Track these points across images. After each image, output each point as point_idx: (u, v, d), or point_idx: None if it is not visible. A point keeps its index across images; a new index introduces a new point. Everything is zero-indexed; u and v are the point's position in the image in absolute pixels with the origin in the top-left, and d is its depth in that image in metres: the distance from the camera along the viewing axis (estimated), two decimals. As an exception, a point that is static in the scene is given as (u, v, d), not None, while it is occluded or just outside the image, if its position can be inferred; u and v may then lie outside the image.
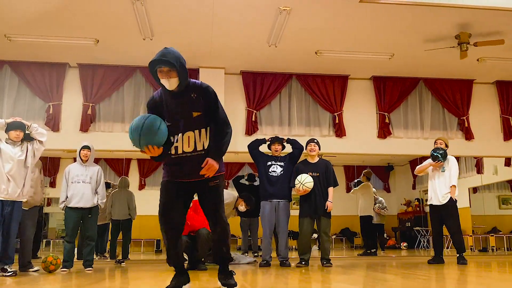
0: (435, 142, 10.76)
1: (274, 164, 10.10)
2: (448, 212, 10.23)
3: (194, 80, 5.25)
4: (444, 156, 10.48)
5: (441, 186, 10.36)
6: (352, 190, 15.81)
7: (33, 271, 9.00)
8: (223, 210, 5.35)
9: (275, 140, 10.31)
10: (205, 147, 5.13)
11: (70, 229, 9.38)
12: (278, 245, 10.37)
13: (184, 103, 5.10)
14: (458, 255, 10.17)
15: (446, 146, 10.64)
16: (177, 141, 5.14)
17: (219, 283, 5.51)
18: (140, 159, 21.68)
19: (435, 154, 10.50)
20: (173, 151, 5.16)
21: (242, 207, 10.62)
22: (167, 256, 5.56)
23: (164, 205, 5.20)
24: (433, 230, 10.88)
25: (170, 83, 4.99)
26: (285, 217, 9.93)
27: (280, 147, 10.28)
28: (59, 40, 11.23)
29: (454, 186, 10.23)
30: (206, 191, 5.25)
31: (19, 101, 12.45)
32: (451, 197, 10.20)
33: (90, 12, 10.06)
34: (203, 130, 5.13)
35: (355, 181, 16.16)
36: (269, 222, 9.90)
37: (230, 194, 10.83)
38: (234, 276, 5.58)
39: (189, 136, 5.11)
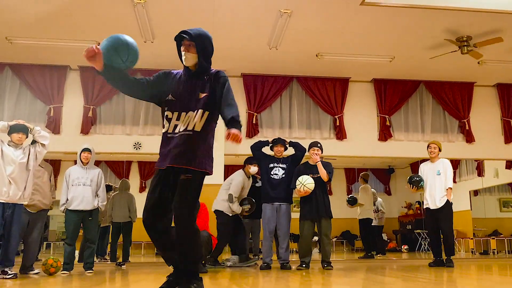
0: (428, 146, 10.78)
1: (276, 167, 10.11)
2: (443, 214, 10.22)
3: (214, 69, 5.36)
4: (417, 183, 10.62)
5: (437, 190, 10.36)
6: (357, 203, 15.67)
7: (33, 274, 9.01)
8: (192, 213, 4.99)
9: (278, 142, 10.31)
10: (196, 129, 5.00)
11: (70, 231, 9.40)
12: (278, 247, 10.38)
13: (197, 85, 5.15)
14: (446, 257, 10.19)
15: (440, 149, 10.66)
16: (177, 119, 5.06)
17: None
18: (140, 162, 21.69)
19: (410, 184, 10.78)
20: (170, 129, 5.07)
21: (255, 168, 10.76)
22: (162, 257, 5.34)
23: (148, 211, 5.04)
24: (430, 233, 10.89)
25: (187, 57, 5.13)
26: (286, 220, 9.94)
27: (282, 148, 10.28)
28: (60, 42, 11.25)
29: (451, 188, 10.24)
30: (177, 184, 4.97)
31: (20, 103, 12.47)
32: (447, 200, 10.21)
33: (91, 15, 10.09)
34: (200, 112, 5.03)
35: (349, 197, 15.96)
36: (270, 224, 9.92)
37: (238, 174, 10.94)
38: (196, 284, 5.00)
39: (189, 116, 5.02)
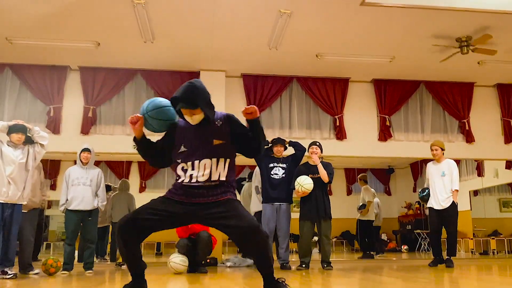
0: (431, 148, 10.76)
1: (276, 166, 10.09)
2: (449, 215, 10.22)
3: (218, 111, 5.06)
4: (424, 199, 10.75)
5: (441, 190, 10.34)
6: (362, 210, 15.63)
7: (33, 274, 9.00)
8: (255, 219, 4.70)
9: (277, 141, 10.26)
10: (221, 179, 4.75)
11: (70, 231, 9.42)
12: (278, 248, 10.37)
13: (207, 130, 4.85)
14: (447, 257, 10.18)
15: (442, 149, 10.65)
16: (193, 169, 4.76)
17: None
18: (140, 162, 21.69)
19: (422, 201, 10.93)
20: (186, 179, 4.75)
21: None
22: (125, 262, 4.93)
23: (136, 221, 4.64)
24: (432, 233, 10.83)
25: (194, 119, 4.81)
26: (286, 220, 9.92)
27: (282, 148, 10.25)
28: (60, 43, 11.24)
29: (457, 190, 10.22)
30: (224, 210, 4.67)
31: (20, 103, 12.47)
32: (453, 201, 10.20)
33: (91, 15, 10.08)
34: (221, 160, 4.78)
35: (359, 206, 15.91)
36: (269, 225, 9.89)
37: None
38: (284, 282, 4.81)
39: (205, 164, 4.73)
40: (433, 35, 11.05)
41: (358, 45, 11.65)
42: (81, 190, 9.47)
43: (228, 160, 4.84)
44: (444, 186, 10.32)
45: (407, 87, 13.86)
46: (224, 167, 4.79)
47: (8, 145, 8.41)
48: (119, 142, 12.56)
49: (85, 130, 12.37)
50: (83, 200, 9.43)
